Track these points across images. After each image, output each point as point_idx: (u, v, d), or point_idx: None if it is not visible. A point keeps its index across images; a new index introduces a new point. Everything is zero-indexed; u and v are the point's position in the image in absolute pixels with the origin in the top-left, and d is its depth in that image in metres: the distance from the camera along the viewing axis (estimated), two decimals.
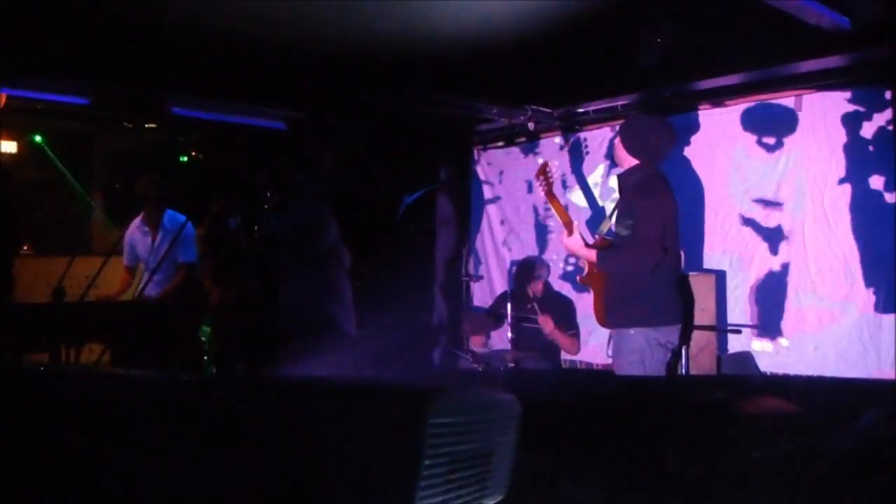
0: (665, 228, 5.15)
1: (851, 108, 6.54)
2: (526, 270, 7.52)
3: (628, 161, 5.32)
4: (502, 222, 8.99)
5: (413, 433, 1.98)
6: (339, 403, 2.12)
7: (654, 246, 5.11)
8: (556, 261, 8.31)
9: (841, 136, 6.58)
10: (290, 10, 5.57)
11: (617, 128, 5.95)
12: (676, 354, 5.20)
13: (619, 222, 5.28)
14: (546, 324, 7.09)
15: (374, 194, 7.57)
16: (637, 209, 5.16)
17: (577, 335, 7.18)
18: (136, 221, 7.31)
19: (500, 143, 8.97)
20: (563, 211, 5.59)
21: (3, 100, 6.05)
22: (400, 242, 7.11)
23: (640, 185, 5.24)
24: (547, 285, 7.55)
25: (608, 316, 5.33)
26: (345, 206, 5.86)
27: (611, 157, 7.60)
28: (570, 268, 8.17)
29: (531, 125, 8.09)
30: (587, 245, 5.35)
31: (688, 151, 7.41)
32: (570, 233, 5.36)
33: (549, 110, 7.98)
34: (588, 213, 8.04)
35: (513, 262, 8.69)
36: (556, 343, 7.22)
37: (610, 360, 5.33)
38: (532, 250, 8.57)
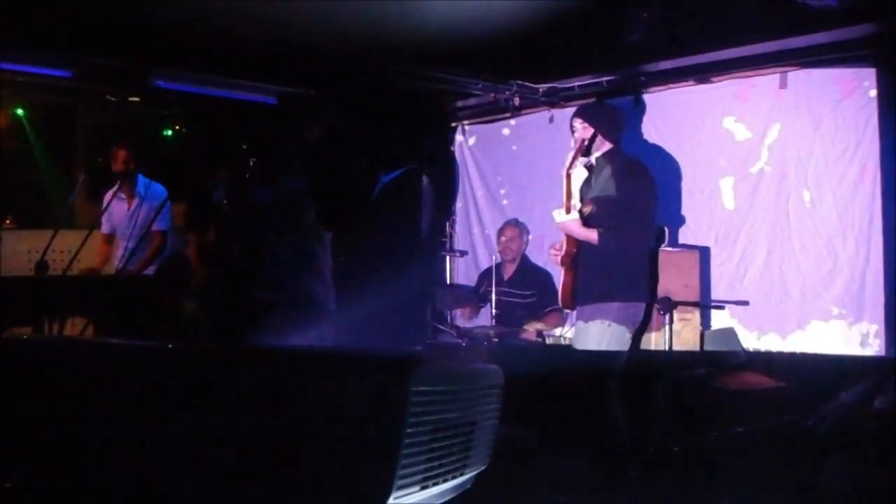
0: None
1: (836, 85, 6.52)
2: (506, 229, 7.58)
3: (605, 145, 5.52)
4: (485, 198, 8.95)
5: (395, 401, 1.97)
6: (319, 371, 2.11)
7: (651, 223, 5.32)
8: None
9: (825, 114, 6.57)
10: None
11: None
12: (640, 330, 5.31)
13: (600, 203, 5.36)
14: (531, 329, 7.15)
15: (352, 171, 7.52)
16: (630, 190, 5.38)
17: (558, 310, 7.16)
18: (114, 188, 7.37)
19: (484, 119, 8.92)
20: (570, 190, 5.56)
21: None
22: (382, 219, 7.07)
23: (627, 166, 5.43)
24: (525, 259, 7.58)
25: (577, 302, 5.46)
26: (322, 181, 5.82)
27: None
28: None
29: (516, 101, 8.05)
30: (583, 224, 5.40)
31: (672, 128, 7.39)
32: (568, 211, 5.41)
33: (533, 86, 7.93)
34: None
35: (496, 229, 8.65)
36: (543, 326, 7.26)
37: None
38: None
